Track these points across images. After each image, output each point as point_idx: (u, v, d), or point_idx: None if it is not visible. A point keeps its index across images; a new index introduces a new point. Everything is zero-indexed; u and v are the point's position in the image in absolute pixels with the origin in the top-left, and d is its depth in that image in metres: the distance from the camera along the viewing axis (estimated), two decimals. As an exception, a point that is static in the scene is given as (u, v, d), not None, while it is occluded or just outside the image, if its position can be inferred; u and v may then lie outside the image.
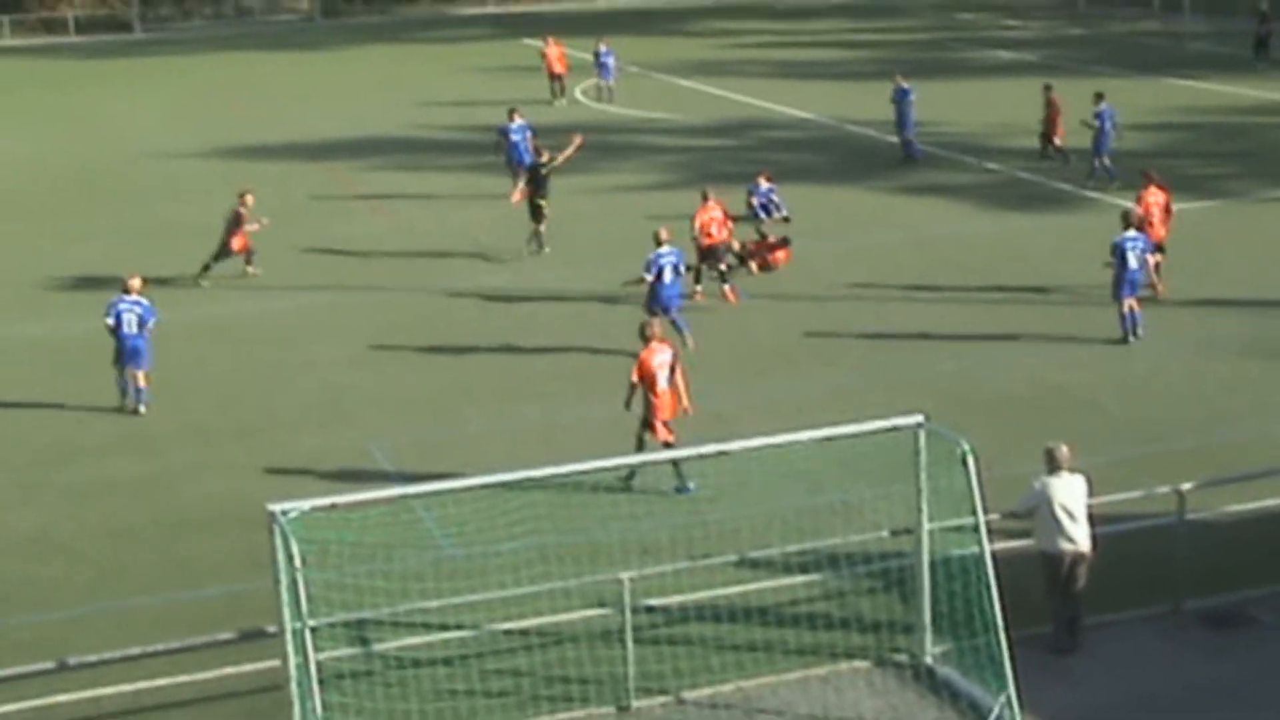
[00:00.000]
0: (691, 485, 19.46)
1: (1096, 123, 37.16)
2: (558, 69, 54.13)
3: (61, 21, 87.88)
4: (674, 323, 25.66)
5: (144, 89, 62.88)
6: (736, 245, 30.38)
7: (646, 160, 41.97)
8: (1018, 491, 15.89)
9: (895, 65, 44.99)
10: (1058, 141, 39.99)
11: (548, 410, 23.12)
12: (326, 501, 13.30)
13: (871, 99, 44.06)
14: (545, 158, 33.32)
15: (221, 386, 25.22)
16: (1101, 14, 77.12)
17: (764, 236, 31.90)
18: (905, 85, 41.45)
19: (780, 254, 31.10)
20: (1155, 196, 28.65)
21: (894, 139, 42.22)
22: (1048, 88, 41.39)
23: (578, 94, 55.18)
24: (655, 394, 19.71)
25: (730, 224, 29.46)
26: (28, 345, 27.95)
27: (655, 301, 25.66)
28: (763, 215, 33.34)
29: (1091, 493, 15.67)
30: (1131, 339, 25.51)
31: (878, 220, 35.02)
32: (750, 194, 33.97)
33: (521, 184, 34.15)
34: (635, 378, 19.78)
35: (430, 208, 37.98)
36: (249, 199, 31.67)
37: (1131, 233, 25.89)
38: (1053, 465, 15.47)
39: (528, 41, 70.31)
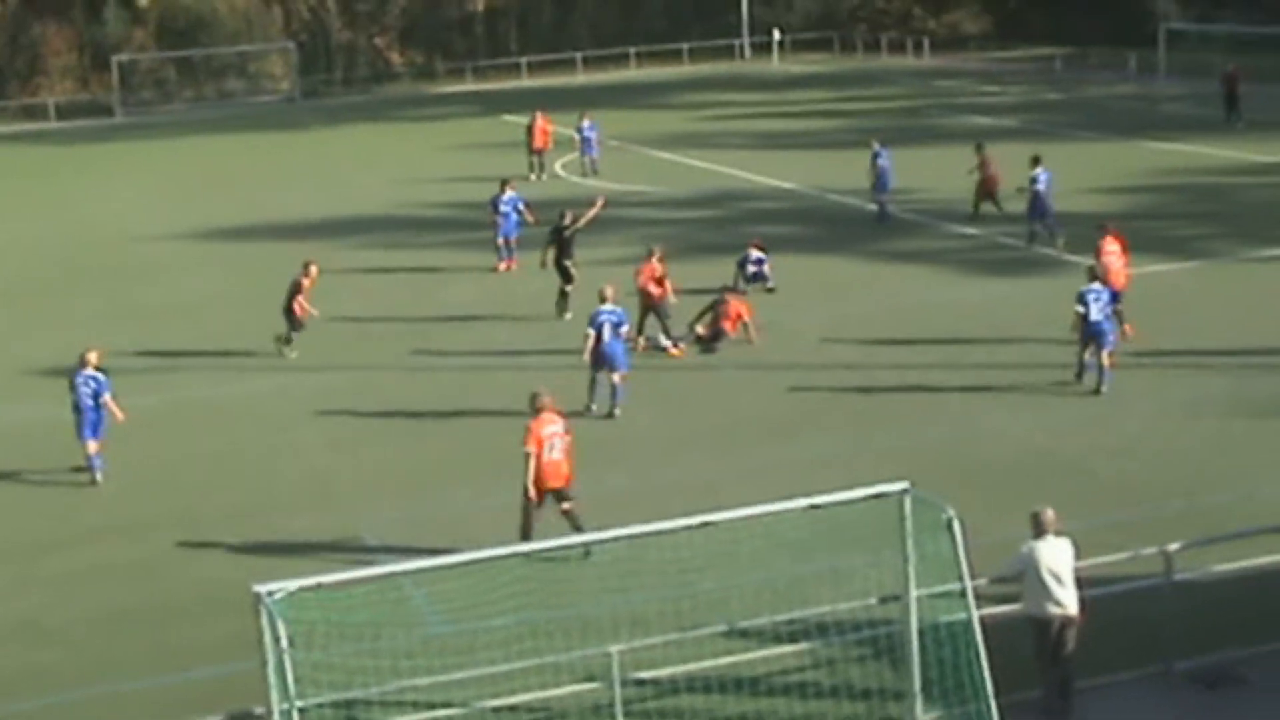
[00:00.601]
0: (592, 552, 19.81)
1: (1032, 186, 37.63)
2: (540, 143, 54.46)
3: (42, 107, 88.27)
4: (613, 385, 26.36)
5: (126, 173, 63.16)
6: (701, 329, 30.70)
7: (631, 233, 42.21)
8: (1005, 556, 15.97)
9: (875, 133, 45.24)
10: (998, 198, 40.78)
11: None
12: (313, 581, 13.32)
13: (852, 168, 44.40)
14: (569, 219, 33.97)
15: (209, 469, 25.26)
16: (1077, 78, 77.79)
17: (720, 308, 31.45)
18: (879, 147, 42.15)
19: (736, 310, 30.94)
20: (1112, 247, 29.46)
21: (874, 206, 42.73)
22: (979, 147, 42.03)
23: (558, 169, 55.49)
24: (542, 463, 20.17)
25: (666, 283, 30.47)
26: (12, 430, 27.98)
27: (597, 359, 26.36)
28: (744, 286, 33.66)
29: (1078, 556, 15.73)
30: (1096, 385, 26.20)
31: (861, 288, 35.22)
32: (741, 264, 34.25)
33: (543, 250, 34.72)
34: (529, 447, 20.23)
35: (414, 284, 38.13)
36: (313, 269, 32.11)
37: (1096, 285, 26.53)
38: (1039, 529, 15.54)
39: (508, 118, 70.73)
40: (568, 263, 33.68)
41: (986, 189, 41.14)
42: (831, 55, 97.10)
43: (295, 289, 31.70)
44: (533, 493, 20.20)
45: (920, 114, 66.86)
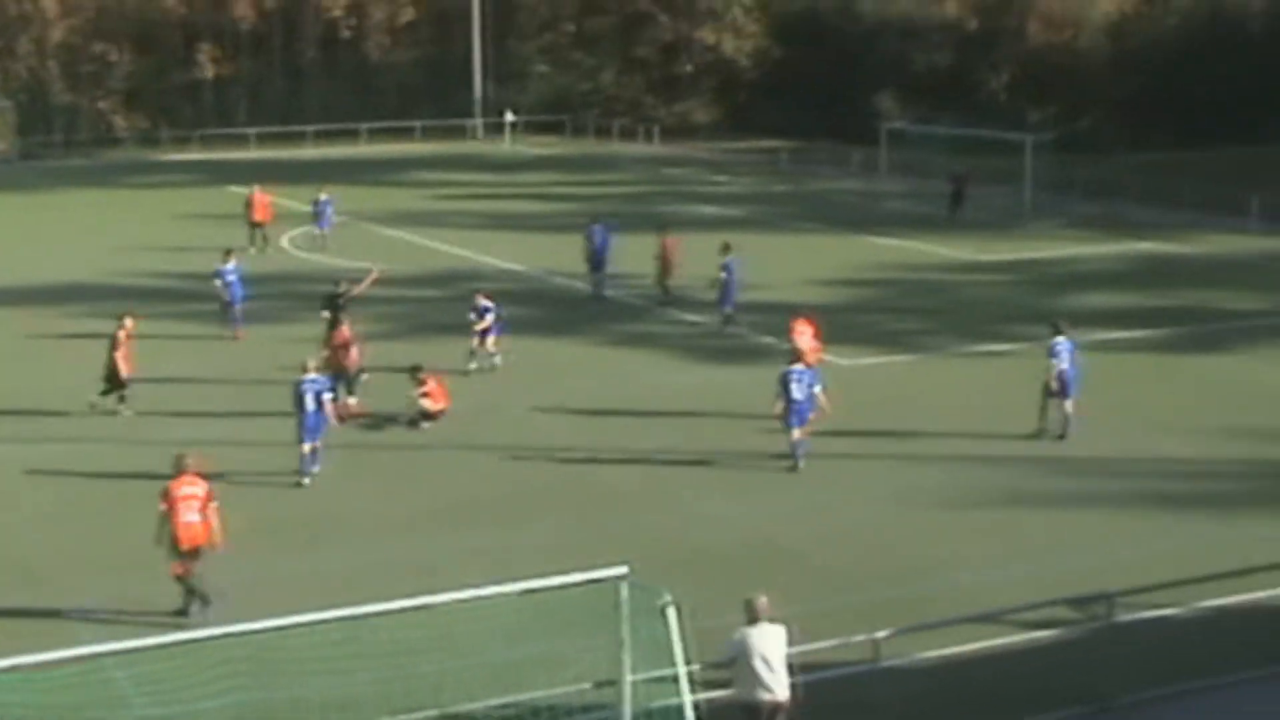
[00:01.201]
0: (193, 610, 20.19)
1: (723, 274, 38.91)
2: (259, 217, 53.91)
3: None
4: (314, 450, 26.95)
5: None
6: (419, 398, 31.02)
7: (357, 310, 41.94)
8: (720, 642, 16.21)
9: (602, 217, 45.83)
10: (669, 282, 42.46)
11: (252, 563, 22.80)
12: (8, 663, 12.91)
13: (578, 251, 44.86)
14: (343, 288, 34.81)
15: (-95, 542, 24.29)
16: (803, 171, 79.73)
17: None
18: (597, 225, 43.54)
19: (432, 383, 31.15)
20: (803, 329, 31.54)
21: (607, 292, 43.30)
22: (662, 228, 43.24)
23: (284, 242, 54.94)
24: (178, 525, 20.45)
25: (353, 348, 31.60)
26: None
27: (301, 428, 26.98)
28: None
29: (790, 642, 16.05)
30: (793, 462, 27.54)
31: (584, 370, 35.52)
32: (479, 313, 34.60)
33: (322, 314, 34.89)
34: (163, 507, 20.55)
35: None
36: (129, 323, 32.08)
37: (799, 366, 27.94)
38: (752, 616, 15.82)
39: (234, 188, 69.83)
40: None
41: (665, 271, 42.63)
42: (563, 139, 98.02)
43: (114, 345, 31.49)
44: (166, 552, 20.56)
45: (649, 200, 67.83)
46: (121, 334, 31.71)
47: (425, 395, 30.57)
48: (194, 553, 20.53)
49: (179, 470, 20.92)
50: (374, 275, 36.33)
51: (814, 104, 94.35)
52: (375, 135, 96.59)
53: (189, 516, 20.52)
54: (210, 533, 20.66)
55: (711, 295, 39.98)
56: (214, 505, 20.82)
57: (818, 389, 28.15)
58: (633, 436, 29.96)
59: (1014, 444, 29.28)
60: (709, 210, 64.65)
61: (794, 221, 61.12)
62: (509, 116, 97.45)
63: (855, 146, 78.78)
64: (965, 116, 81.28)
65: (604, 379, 34.73)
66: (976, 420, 30.83)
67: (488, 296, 35.97)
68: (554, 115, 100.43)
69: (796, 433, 27.70)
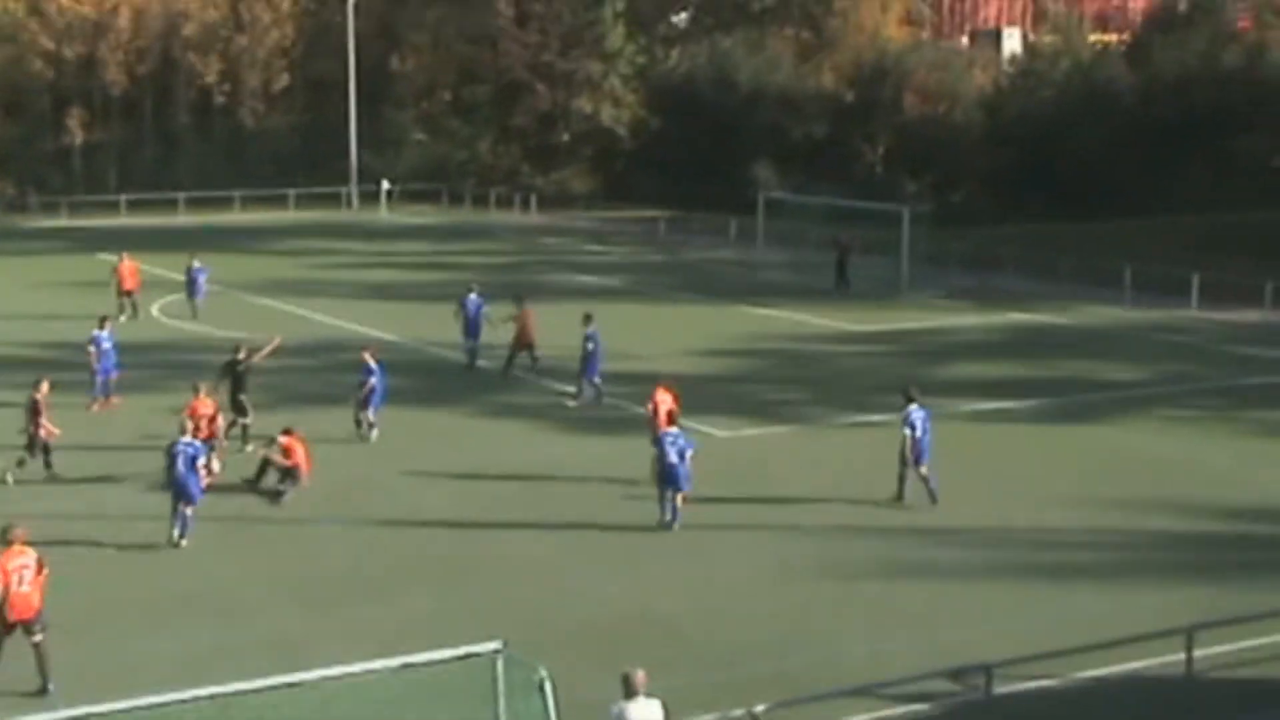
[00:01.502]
0: (51, 686, 20.07)
1: (589, 345, 39.07)
2: (128, 285, 53.31)
3: None
4: (185, 515, 26.94)
5: None
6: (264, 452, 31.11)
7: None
8: (598, 717, 16.07)
9: (475, 287, 45.74)
10: (536, 353, 42.44)
11: (118, 638, 22.35)
12: None
13: (453, 320, 44.74)
14: (243, 354, 35.06)
15: None
16: (681, 240, 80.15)
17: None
18: (471, 295, 43.68)
19: (291, 447, 30.91)
20: (663, 396, 31.87)
21: (481, 362, 43.21)
22: (518, 298, 43.35)
23: (154, 311, 54.30)
24: (9, 596, 20.55)
25: (219, 419, 31.87)
26: None
27: (173, 489, 27.08)
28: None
29: (668, 717, 15.96)
30: (668, 523, 28.11)
31: (457, 442, 35.33)
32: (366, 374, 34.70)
33: (213, 381, 34.80)
34: None
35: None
36: (44, 386, 31.73)
37: (674, 430, 28.68)
38: (630, 690, 15.69)
39: (104, 256, 68.97)
40: (243, 397, 34.60)
41: (522, 342, 42.56)
42: (439, 207, 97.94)
43: (33, 408, 31.33)
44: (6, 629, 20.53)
45: (525, 270, 67.85)
46: (38, 397, 31.49)
47: (283, 453, 30.25)
48: (30, 623, 20.51)
49: (8, 541, 20.92)
50: (276, 343, 36.35)
51: (692, 173, 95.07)
52: (249, 203, 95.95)
53: (24, 587, 20.59)
54: (38, 602, 20.76)
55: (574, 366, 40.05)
56: (44, 575, 20.84)
57: (689, 453, 28.44)
58: (506, 508, 29.80)
59: (892, 514, 29.45)
60: (586, 279, 64.75)
61: (672, 291, 61.40)
62: (385, 185, 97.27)
63: (733, 216, 79.37)
64: (842, 187, 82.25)
65: (478, 450, 34.57)
66: (854, 490, 30.97)
67: (375, 356, 35.77)
68: (430, 184, 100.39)
69: (671, 497, 28.21)
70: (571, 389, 39.74)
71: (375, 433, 35.16)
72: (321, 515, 29.21)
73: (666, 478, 28.26)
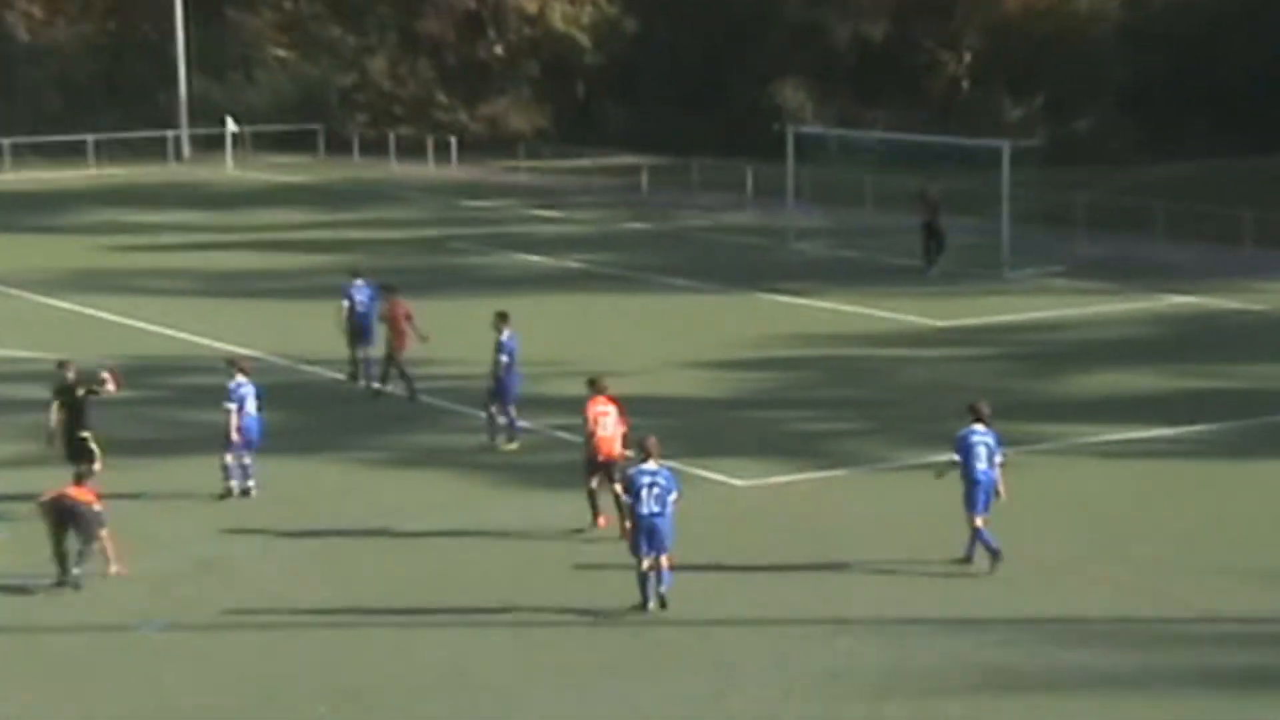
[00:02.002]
0: None
1: (502, 358, 39.07)
2: None
3: None
4: None
5: None
6: None
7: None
8: None
9: (365, 272, 45.87)
10: (401, 361, 43.44)
11: None
12: None
13: (333, 323, 44.81)
14: (71, 375, 35.78)
15: None
16: (672, 201, 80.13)
17: None
18: (359, 282, 44.27)
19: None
20: (603, 407, 32.82)
21: (380, 383, 43.40)
22: (388, 288, 44.32)
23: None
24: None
25: None
26: None
27: None
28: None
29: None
30: (658, 600, 28.68)
31: (351, 506, 35.32)
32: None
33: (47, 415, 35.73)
34: None
35: None
36: None
37: (649, 465, 28.87)
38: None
39: None
40: (86, 436, 35.14)
41: (395, 346, 43.47)
42: (313, 158, 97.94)
43: None
44: None
45: (443, 249, 67.85)
46: None
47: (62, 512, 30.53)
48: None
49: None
50: (115, 378, 36.58)
51: (687, 101, 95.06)
52: (24, 156, 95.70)
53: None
54: None
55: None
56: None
57: (673, 496, 28.76)
58: (422, 598, 29.89)
59: (988, 595, 29.53)
60: (535, 260, 64.84)
61: (660, 275, 61.39)
62: (230, 126, 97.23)
63: (748, 162, 79.30)
64: (909, 115, 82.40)
65: (378, 514, 34.62)
66: (932, 561, 31.04)
67: (244, 371, 36.07)
68: (300, 124, 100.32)
69: (651, 561, 28.51)
70: (506, 423, 39.82)
71: (251, 485, 35.44)
72: (145, 616, 29.29)
73: (645, 536, 28.54)
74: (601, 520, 32.63)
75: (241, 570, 31.72)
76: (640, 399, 38.95)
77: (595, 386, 33.48)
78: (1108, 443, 39.12)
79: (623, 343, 48.85)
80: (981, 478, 30.55)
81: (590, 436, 32.68)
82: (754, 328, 52.27)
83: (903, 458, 38.27)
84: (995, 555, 30.45)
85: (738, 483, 36.13)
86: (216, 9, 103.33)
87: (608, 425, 32.54)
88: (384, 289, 44.58)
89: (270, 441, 37.23)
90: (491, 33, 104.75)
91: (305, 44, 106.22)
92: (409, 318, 43.52)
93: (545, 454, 38.82)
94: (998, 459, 30.90)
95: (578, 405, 38.51)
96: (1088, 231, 66.47)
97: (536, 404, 41.91)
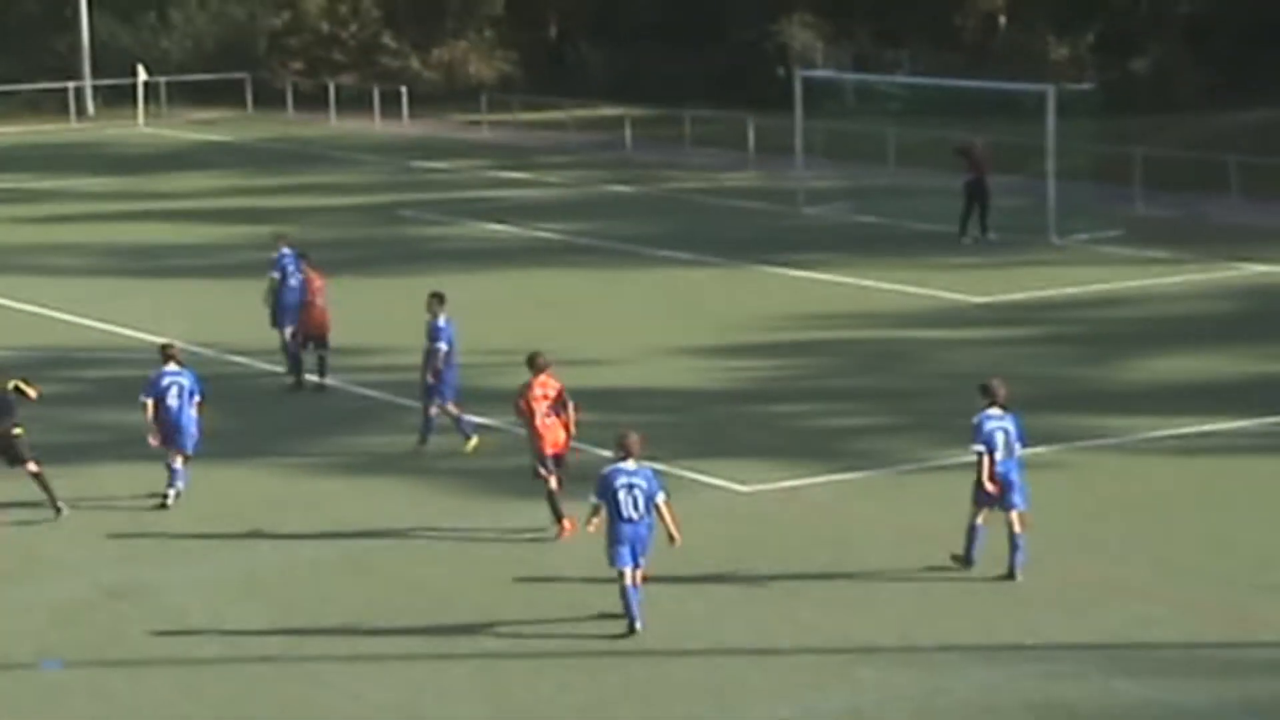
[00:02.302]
0: None
1: (440, 345, 39.20)
2: None
3: None
4: None
5: None
6: None
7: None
8: None
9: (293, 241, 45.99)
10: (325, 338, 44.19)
11: None
12: None
13: (263, 304, 44.92)
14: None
15: None
16: (662, 159, 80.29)
17: None
18: (286, 250, 45.03)
19: None
20: (542, 389, 33.69)
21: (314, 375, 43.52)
22: (301, 255, 44.71)
23: None
24: None
25: None
26: None
27: None
28: None
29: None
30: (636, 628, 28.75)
31: (283, 518, 35.43)
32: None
33: None
34: None
35: None
36: None
37: (627, 464, 28.83)
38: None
39: None
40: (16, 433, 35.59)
41: (308, 327, 43.97)
42: (240, 113, 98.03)
43: None
44: None
45: (393, 218, 67.93)
46: None
47: None
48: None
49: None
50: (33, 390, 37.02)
51: (676, 41, 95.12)
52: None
53: None
54: None
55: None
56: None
57: (660, 499, 28.94)
58: (369, 622, 29.97)
59: (1033, 616, 29.64)
60: (500, 231, 64.89)
61: (648, 247, 61.50)
62: (142, 75, 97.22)
63: (749, 112, 79.47)
64: (938, 57, 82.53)
65: (322, 527, 34.70)
66: (970, 580, 31.11)
67: (174, 358, 36.45)
68: (221, 72, 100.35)
69: (633, 574, 28.77)
70: (469, 422, 39.93)
71: (174, 492, 35.51)
72: (43, 653, 29.33)
73: (628, 545, 28.81)
74: (567, 525, 32.82)
75: (160, 597, 31.73)
76: (626, 391, 39.17)
77: (534, 365, 33.75)
78: (1175, 438, 39.20)
79: (605, 326, 48.94)
80: (1000, 469, 30.82)
81: (533, 424, 33.23)
82: (759, 307, 52.35)
83: (934, 457, 38.31)
84: (967, 560, 31.08)
85: (741, 488, 36.19)
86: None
87: (550, 410, 33.21)
88: (299, 255, 44.73)
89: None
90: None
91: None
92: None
93: (513, 457, 38.85)
94: (1017, 449, 31.20)
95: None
96: (1148, 190, 66.59)
97: (504, 398, 41.95)
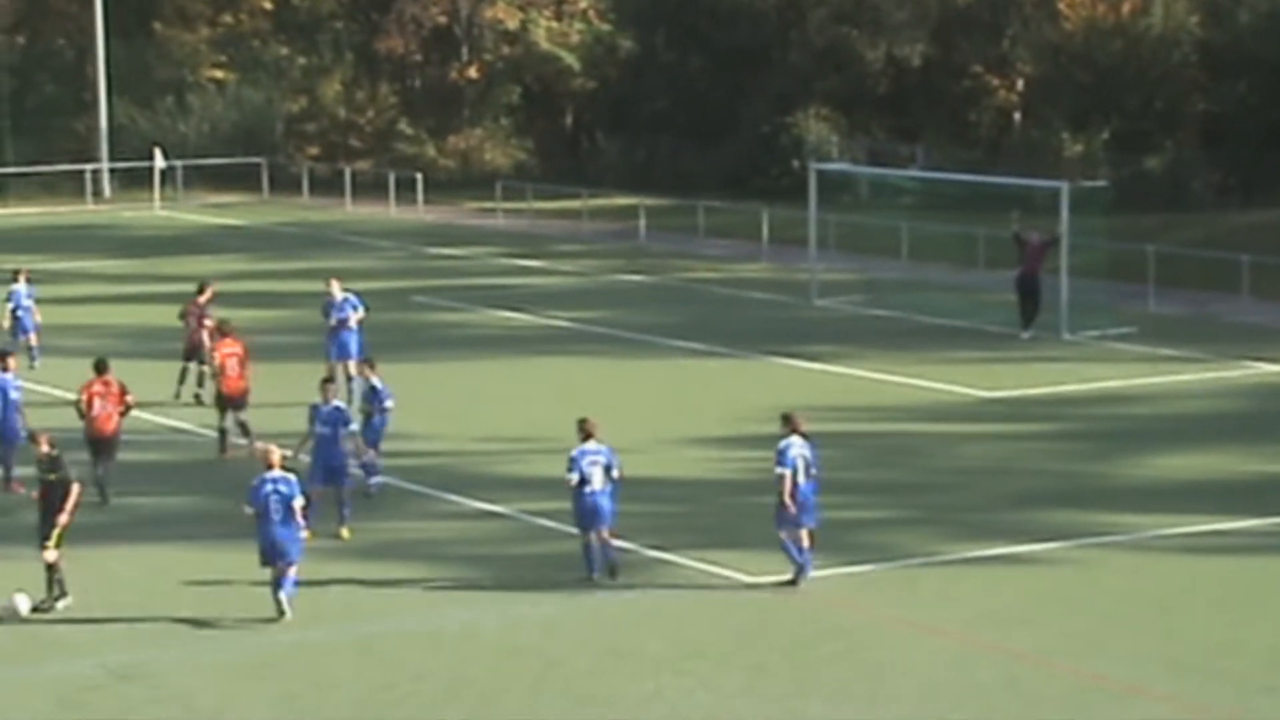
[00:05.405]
0: None
1: (386, 404, 39.94)
2: None
3: None
4: None
5: None
6: None
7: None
8: None
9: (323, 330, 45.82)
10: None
11: None
12: None
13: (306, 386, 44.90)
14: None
15: None
16: (677, 249, 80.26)
17: None
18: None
19: None
20: (230, 350, 37.42)
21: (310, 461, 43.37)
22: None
23: None
24: None
25: None
26: None
27: None
28: None
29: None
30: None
31: (302, 602, 35.30)
32: None
33: None
34: None
35: None
36: None
37: (591, 444, 33.49)
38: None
39: None
40: None
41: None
42: (256, 198, 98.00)
43: None
44: None
45: (407, 305, 67.85)
46: None
47: None
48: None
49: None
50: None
51: (691, 133, 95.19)
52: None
53: None
54: None
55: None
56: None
57: (615, 473, 32.59)
58: (366, 701, 29.81)
59: (1040, 714, 29.46)
60: (513, 319, 64.79)
61: (659, 336, 61.41)
62: (159, 159, 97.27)
63: (764, 204, 79.40)
64: (951, 152, 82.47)
65: (331, 614, 34.58)
66: (979, 671, 31.00)
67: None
68: (240, 157, 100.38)
69: (599, 535, 31.98)
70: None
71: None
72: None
73: (588, 515, 32.74)
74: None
75: (167, 682, 31.52)
76: (636, 481, 38.92)
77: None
78: (1185, 536, 39.01)
79: (616, 415, 48.48)
80: (809, 488, 34.90)
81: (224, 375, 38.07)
82: (769, 398, 52.07)
83: (945, 552, 38.24)
84: (800, 570, 34.49)
85: (747, 579, 36.02)
86: (143, 23, 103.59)
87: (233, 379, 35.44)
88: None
89: (198, 527, 37.16)
90: (464, 52, 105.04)
91: (247, 64, 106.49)
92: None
93: (524, 544, 38.74)
94: (814, 473, 34.98)
95: (558, 487, 38.69)
96: (1160, 288, 66.45)
97: (515, 485, 41.85)
